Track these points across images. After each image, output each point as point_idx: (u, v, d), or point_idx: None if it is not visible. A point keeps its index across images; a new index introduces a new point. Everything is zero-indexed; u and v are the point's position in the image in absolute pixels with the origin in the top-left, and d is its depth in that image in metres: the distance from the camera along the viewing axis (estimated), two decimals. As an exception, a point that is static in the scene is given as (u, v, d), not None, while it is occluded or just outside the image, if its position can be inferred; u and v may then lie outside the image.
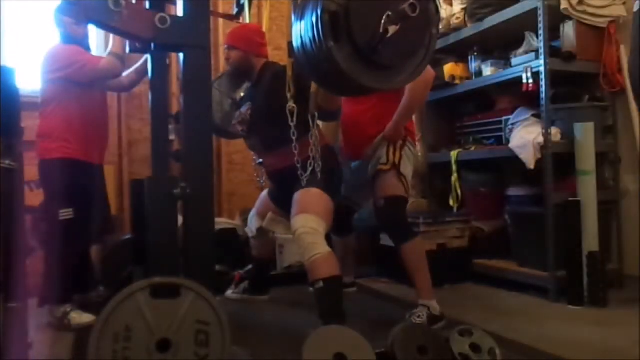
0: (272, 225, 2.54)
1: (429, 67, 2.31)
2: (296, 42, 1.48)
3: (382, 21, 1.32)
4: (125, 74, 2.68)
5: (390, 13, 1.32)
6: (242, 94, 2.61)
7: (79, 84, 2.46)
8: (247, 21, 2.72)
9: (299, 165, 2.06)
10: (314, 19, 1.35)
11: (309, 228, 2.11)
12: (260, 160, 2.53)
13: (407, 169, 2.45)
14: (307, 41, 1.39)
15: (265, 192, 2.70)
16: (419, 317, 2.23)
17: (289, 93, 2.00)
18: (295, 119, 1.98)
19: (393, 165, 2.38)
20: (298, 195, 2.21)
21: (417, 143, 2.64)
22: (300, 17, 1.44)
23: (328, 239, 2.21)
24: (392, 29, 1.33)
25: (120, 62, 2.47)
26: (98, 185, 2.61)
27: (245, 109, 2.47)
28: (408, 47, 1.44)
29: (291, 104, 1.99)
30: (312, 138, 2.05)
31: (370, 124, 2.46)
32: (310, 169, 2.08)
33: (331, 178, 2.27)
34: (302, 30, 1.43)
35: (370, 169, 2.45)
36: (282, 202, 2.43)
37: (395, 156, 2.39)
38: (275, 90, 2.17)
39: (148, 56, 2.62)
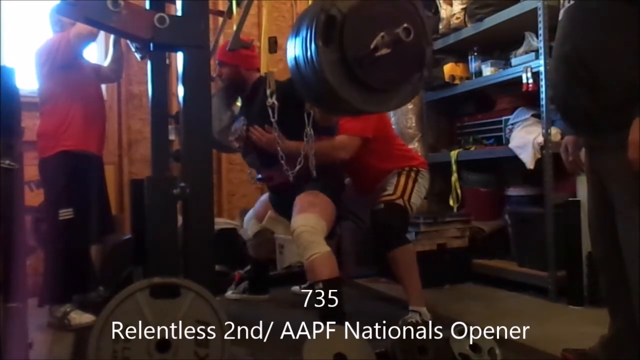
0: (272, 225, 2.53)
1: (345, 142, 2.30)
2: (290, 40, 1.48)
3: (375, 39, 1.33)
4: (105, 64, 2.75)
5: (384, 34, 1.33)
6: (238, 105, 2.63)
7: (69, 68, 2.45)
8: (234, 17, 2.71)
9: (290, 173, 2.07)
10: (310, 18, 1.37)
11: (308, 227, 2.11)
12: (260, 176, 2.52)
13: (416, 202, 2.41)
14: (300, 41, 1.40)
15: (265, 196, 2.70)
16: (411, 323, 2.22)
17: (271, 98, 2.02)
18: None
19: (401, 195, 2.33)
20: (299, 198, 2.23)
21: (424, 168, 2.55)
22: (300, 21, 1.44)
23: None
24: (384, 51, 1.34)
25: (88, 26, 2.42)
26: (98, 176, 2.62)
27: (239, 124, 2.47)
28: (394, 76, 1.44)
29: (271, 100, 2.02)
30: (306, 138, 2.06)
31: (372, 164, 2.43)
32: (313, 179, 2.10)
33: (333, 185, 2.30)
34: (298, 30, 1.43)
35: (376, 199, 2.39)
36: (283, 210, 2.44)
37: (406, 189, 2.35)
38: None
39: (112, 37, 2.68)
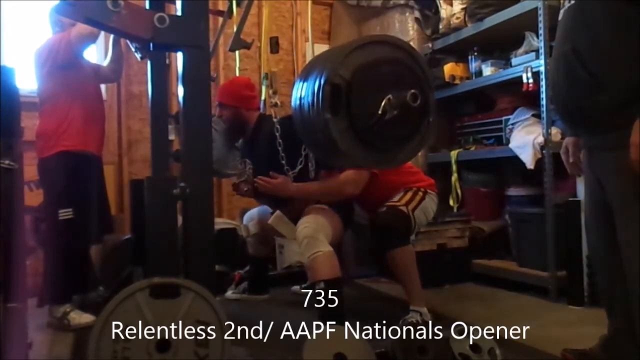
0: (278, 224, 2.50)
1: (352, 178, 2.26)
2: (295, 103, 1.50)
3: (382, 104, 1.34)
4: (105, 64, 2.75)
5: (391, 97, 1.34)
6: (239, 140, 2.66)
7: (69, 68, 2.45)
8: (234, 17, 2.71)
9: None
10: (316, 88, 1.37)
11: (312, 226, 2.15)
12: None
13: (421, 218, 2.37)
14: (306, 107, 1.42)
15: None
16: (411, 323, 2.22)
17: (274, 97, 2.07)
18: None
19: (406, 204, 2.30)
20: (308, 207, 2.31)
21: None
22: (304, 80, 1.45)
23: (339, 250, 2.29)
24: (391, 113, 1.35)
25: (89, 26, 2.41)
26: (97, 177, 2.62)
27: (244, 167, 2.52)
28: (404, 132, 1.45)
29: (275, 99, 2.08)
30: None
31: (378, 193, 2.39)
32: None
33: (342, 207, 2.36)
34: (302, 94, 1.45)
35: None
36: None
37: (412, 202, 2.32)
38: (275, 150, 2.21)
39: (112, 37, 2.68)
